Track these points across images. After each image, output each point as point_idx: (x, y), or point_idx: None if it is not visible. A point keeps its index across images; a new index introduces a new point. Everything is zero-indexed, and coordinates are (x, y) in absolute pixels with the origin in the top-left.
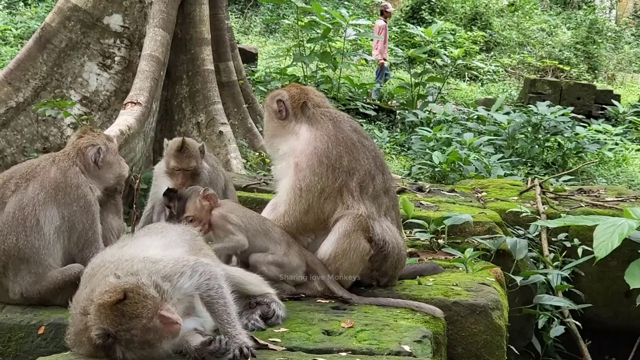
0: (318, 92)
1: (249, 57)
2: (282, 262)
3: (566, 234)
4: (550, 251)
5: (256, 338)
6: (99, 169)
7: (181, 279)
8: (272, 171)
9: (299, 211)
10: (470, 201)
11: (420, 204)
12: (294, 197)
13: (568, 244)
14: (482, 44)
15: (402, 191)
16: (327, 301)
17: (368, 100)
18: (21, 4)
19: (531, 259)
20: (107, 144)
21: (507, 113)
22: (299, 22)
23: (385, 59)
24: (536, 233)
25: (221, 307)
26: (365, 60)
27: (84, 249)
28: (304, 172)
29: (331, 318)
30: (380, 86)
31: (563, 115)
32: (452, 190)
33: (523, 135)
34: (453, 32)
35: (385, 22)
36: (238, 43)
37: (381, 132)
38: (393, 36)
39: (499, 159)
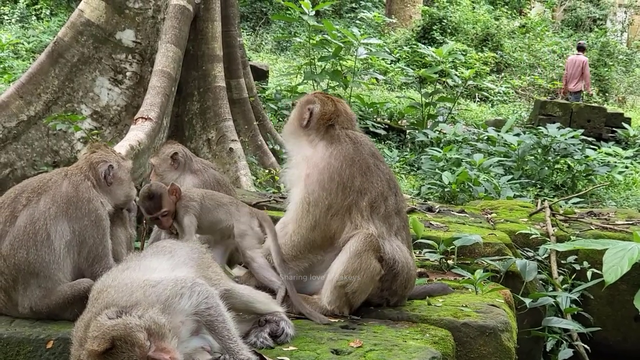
0: (349, 111)
1: (260, 75)
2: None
3: (576, 256)
4: (559, 273)
5: (265, 356)
6: (109, 185)
7: (181, 300)
8: (285, 174)
9: (306, 227)
10: (480, 222)
11: (430, 224)
12: (301, 211)
13: (577, 267)
14: (492, 65)
15: (411, 211)
16: (336, 320)
17: (378, 119)
18: (34, 17)
19: (540, 281)
20: (119, 161)
21: (517, 134)
22: (311, 40)
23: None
24: (545, 255)
25: (220, 324)
26: (377, 79)
27: (93, 263)
28: (313, 186)
29: (340, 337)
30: None
31: (573, 137)
32: (462, 211)
33: (533, 157)
34: (464, 53)
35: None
36: (249, 60)
37: (391, 152)
38: (404, 56)
39: (508, 180)
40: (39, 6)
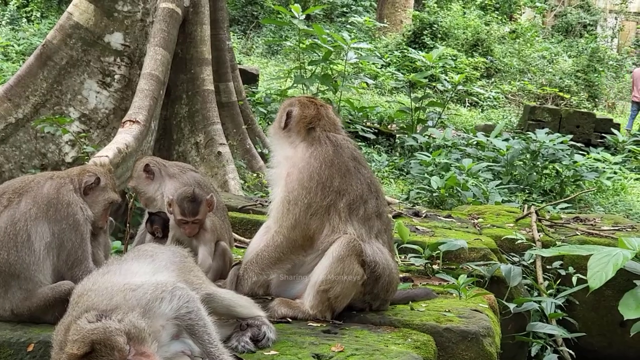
0: (333, 115)
1: (250, 78)
2: None
3: (561, 262)
4: (544, 279)
5: None
6: (83, 195)
7: (162, 304)
8: (268, 173)
9: (287, 227)
10: (467, 227)
11: (416, 229)
12: (282, 211)
13: (563, 272)
14: (482, 70)
15: (398, 216)
16: (318, 324)
17: (368, 124)
18: (24, 20)
19: (525, 287)
20: (107, 186)
21: (506, 140)
22: (301, 45)
23: None
24: (531, 260)
25: (201, 328)
26: (367, 83)
27: (73, 267)
28: (293, 184)
29: (322, 342)
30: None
31: (562, 143)
32: (449, 216)
33: (521, 162)
34: (454, 58)
35: None
36: (239, 64)
37: (380, 156)
38: (394, 60)
39: (497, 185)
40: (29, 8)
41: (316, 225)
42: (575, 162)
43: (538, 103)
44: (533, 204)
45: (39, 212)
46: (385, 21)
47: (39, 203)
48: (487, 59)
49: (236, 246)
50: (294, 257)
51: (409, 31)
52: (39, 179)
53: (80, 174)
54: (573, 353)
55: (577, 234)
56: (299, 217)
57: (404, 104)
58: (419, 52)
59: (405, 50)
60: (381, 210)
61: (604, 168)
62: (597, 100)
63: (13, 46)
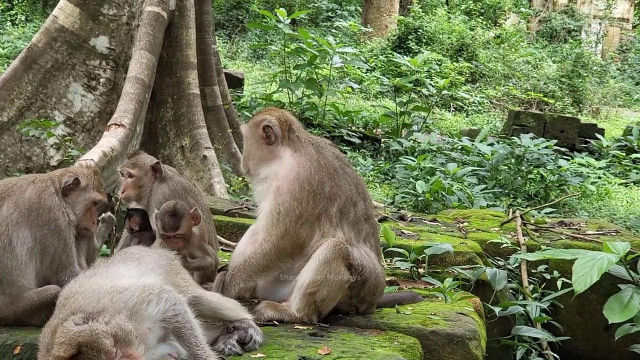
0: (295, 118)
1: (235, 82)
2: None
3: (546, 265)
4: (529, 282)
5: None
6: (64, 196)
7: (149, 307)
8: (253, 194)
9: (276, 236)
10: (452, 231)
11: (402, 232)
12: (271, 221)
13: (548, 276)
14: (467, 75)
15: (384, 220)
16: (305, 327)
17: (353, 128)
18: (8, 23)
19: (510, 290)
20: (89, 186)
21: (491, 144)
22: (286, 49)
23: None
24: (516, 264)
25: (188, 331)
26: (352, 88)
27: (58, 272)
28: (284, 197)
29: (308, 344)
30: None
31: (546, 147)
32: (434, 220)
33: (506, 167)
34: (439, 63)
35: None
36: (225, 68)
37: (365, 160)
38: (380, 65)
39: (481, 190)
40: (14, 12)
41: (306, 234)
42: (559, 167)
43: (522, 108)
44: (518, 209)
45: (21, 217)
46: (370, 26)
47: (20, 208)
48: (471, 63)
49: (222, 249)
50: (282, 265)
51: (394, 36)
52: (21, 182)
53: (61, 175)
54: (558, 356)
55: (562, 238)
56: (289, 226)
57: (389, 109)
58: (404, 56)
59: (391, 55)
60: (369, 213)
61: (588, 173)
62: (581, 105)
63: None
